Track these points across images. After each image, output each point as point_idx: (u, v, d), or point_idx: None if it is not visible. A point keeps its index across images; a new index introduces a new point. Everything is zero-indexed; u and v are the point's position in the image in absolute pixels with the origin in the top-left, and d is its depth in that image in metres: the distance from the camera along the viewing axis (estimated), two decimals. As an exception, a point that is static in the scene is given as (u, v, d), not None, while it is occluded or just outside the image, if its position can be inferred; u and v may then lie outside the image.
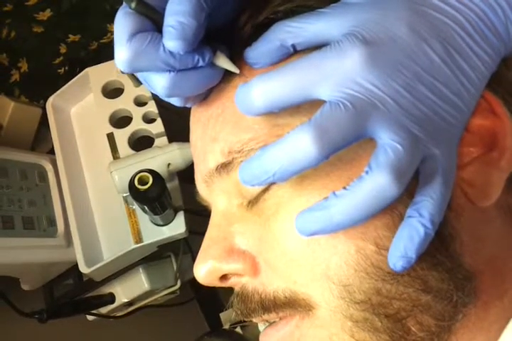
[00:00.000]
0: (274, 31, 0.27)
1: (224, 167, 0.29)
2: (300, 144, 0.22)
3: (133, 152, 0.55)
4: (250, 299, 0.28)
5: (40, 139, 0.72)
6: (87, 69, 0.61)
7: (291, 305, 0.27)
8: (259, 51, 0.28)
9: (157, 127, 0.56)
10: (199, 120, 0.31)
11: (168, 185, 0.51)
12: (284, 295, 0.27)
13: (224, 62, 0.28)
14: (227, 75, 0.30)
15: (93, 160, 0.60)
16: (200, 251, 0.30)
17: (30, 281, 0.61)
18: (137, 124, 0.57)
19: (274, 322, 0.29)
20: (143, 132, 0.57)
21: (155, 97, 0.58)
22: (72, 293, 0.62)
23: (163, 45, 0.26)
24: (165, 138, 0.56)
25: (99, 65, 0.60)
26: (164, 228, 0.53)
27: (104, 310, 0.65)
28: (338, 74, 0.23)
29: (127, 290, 0.64)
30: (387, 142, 0.23)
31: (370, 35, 0.23)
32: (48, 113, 0.62)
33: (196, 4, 0.25)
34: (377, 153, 0.23)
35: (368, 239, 0.25)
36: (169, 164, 0.53)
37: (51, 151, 0.63)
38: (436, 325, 0.25)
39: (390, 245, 0.24)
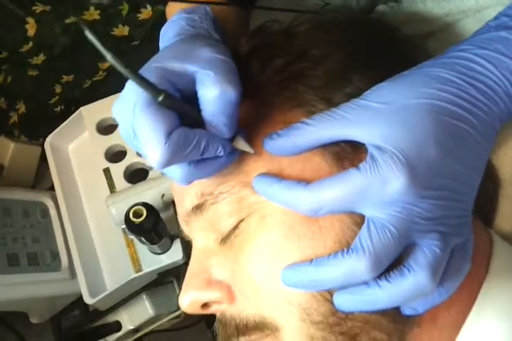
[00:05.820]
0: (297, 128, 0.28)
1: (198, 208, 0.32)
2: (357, 270, 0.25)
3: (129, 185, 0.58)
4: (229, 324, 0.31)
5: (40, 176, 0.74)
6: (81, 109, 0.64)
7: (259, 328, 0.30)
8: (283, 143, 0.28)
9: (150, 160, 0.59)
10: None
11: (164, 215, 0.54)
12: (254, 319, 0.30)
13: (242, 145, 0.29)
14: None
15: (92, 195, 0.63)
16: (183, 285, 0.33)
17: (38, 315, 0.63)
18: (131, 158, 0.60)
19: None
20: (137, 165, 0.60)
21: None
22: (79, 323, 0.64)
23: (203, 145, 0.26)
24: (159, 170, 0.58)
25: (92, 104, 0.63)
26: (162, 256, 0.55)
27: (111, 338, 0.67)
28: (381, 197, 0.25)
29: (132, 317, 0.65)
30: (426, 245, 0.26)
31: (405, 157, 0.25)
32: (46, 152, 0.65)
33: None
34: (417, 254, 0.26)
35: None
36: (163, 195, 0.55)
37: (52, 187, 0.66)
38: (388, 339, 0.28)
39: None
